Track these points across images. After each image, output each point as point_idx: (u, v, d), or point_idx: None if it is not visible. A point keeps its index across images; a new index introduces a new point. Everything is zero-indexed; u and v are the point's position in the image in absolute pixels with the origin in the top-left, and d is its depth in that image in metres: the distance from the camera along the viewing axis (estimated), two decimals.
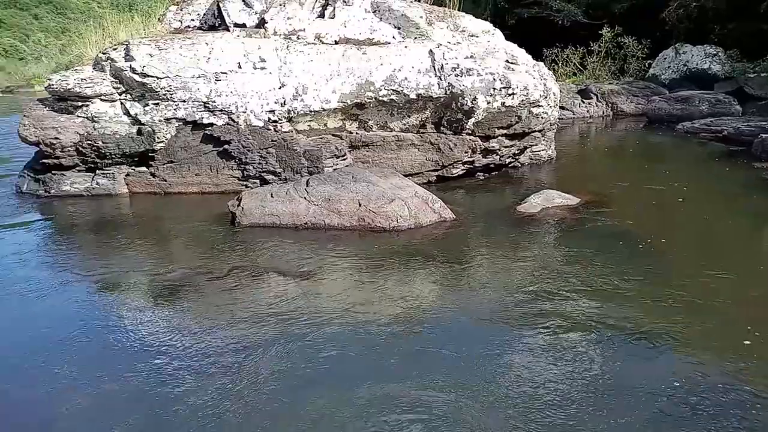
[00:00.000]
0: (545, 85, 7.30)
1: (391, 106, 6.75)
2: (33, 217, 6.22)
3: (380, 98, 6.68)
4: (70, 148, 6.58)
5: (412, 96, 6.67)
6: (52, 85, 6.68)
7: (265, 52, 6.71)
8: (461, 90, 6.64)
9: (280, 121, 6.67)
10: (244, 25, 7.21)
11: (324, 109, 6.69)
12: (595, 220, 5.40)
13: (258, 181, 6.65)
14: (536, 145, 7.62)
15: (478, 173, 7.29)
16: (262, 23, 7.14)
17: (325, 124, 6.84)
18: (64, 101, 6.68)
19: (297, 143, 6.63)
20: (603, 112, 14.17)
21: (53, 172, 6.81)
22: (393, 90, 6.65)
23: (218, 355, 3.20)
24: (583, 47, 16.45)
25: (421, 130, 6.91)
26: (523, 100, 6.88)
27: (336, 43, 7.05)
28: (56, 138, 6.56)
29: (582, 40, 16.45)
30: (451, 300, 3.93)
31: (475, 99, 6.64)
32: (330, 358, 3.15)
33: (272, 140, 6.61)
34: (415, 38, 7.11)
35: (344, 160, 6.77)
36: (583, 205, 5.84)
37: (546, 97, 7.25)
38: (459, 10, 8.59)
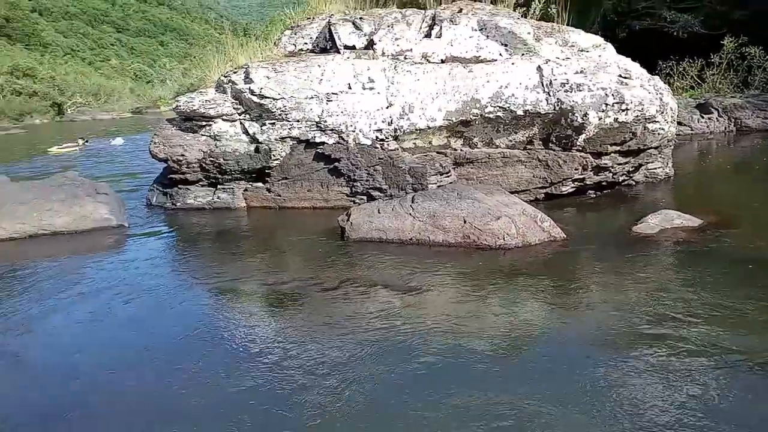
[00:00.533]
0: (661, 99, 6.95)
1: (497, 122, 6.71)
2: (161, 227, 6.80)
3: (486, 115, 6.67)
4: (194, 165, 7.12)
5: (519, 112, 6.60)
6: (180, 106, 7.28)
7: (373, 72, 6.92)
8: (571, 106, 6.48)
9: (386, 140, 6.83)
10: (353, 47, 7.48)
11: (429, 127, 6.77)
12: (720, 241, 5.04)
13: (365, 197, 6.84)
14: (652, 162, 7.25)
15: (589, 191, 7.04)
16: (370, 44, 7.37)
17: (430, 142, 6.92)
18: (190, 121, 7.24)
19: (402, 161, 6.75)
20: (725, 128, 13.19)
21: (179, 186, 7.39)
22: (499, 107, 6.62)
23: (327, 358, 3.36)
24: (702, 59, 15.45)
25: (529, 147, 6.80)
26: (638, 116, 6.59)
27: (442, 61, 7.13)
28: (182, 155, 7.12)
29: (700, 52, 15.46)
30: (558, 319, 3.83)
31: (585, 115, 6.46)
32: (431, 365, 3.22)
33: (379, 158, 6.77)
34: (523, 54, 7.04)
35: (448, 177, 6.80)
36: (705, 226, 5.46)
37: (662, 113, 6.90)
38: (567, 24, 8.41)
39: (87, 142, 17.72)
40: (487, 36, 7.21)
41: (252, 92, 6.90)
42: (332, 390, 3.00)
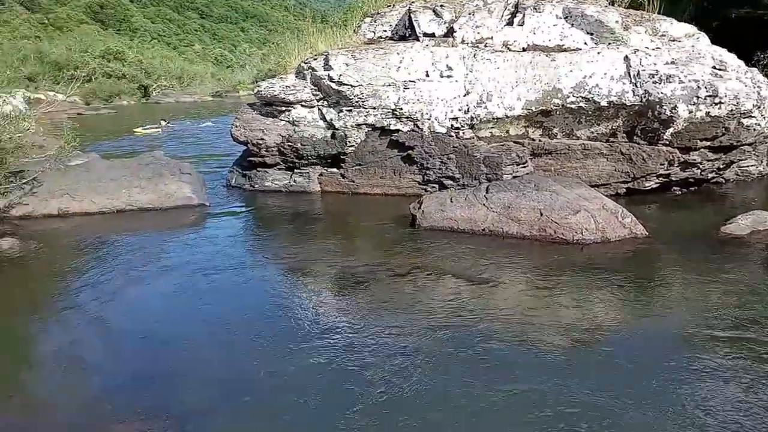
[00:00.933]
0: (759, 93, 6.50)
1: (578, 113, 6.50)
2: (240, 207, 7.06)
3: (567, 105, 6.47)
4: (273, 148, 7.31)
5: (603, 103, 6.36)
6: (261, 91, 7.48)
7: (452, 60, 6.85)
8: (659, 98, 6.17)
9: (462, 128, 6.76)
10: (433, 35, 7.43)
11: (507, 116, 6.64)
12: None
13: (437, 185, 6.81)
14: (745, 159, 6.81)
15: (674, 187, 6.71)
16: (450, 32, 7.30)
17: (507, 131, 6.79)
18: (270, 106, 7.43)
19: (477, 150, 6.66)
20: None
21: (258, 169, 7.62)
22: (582, 97, 6.40)
23: (394, 339, 3.43)
24: None
25: (611, 139, 6.54)
26: (732, 110, 6.20)
27: (524, 50, 6.96)
28: (262, 139, 7.33)
29: None
30: (633, 316, 3.71)
31: (674, 108, 6.14)
32: (496, 352, 3.24)
33: (453, 146, 6.72)
34: (609, 44, 6.76)
35: (525, 167, 6.66)
36: None
37: (760, 107, 6.45)
38: (658, 12, 7.99)
39: (168, 123, 18.59)
40: (572, 24, 6.97)
41: (331, 79, 6.99)
42: (399, 369, 3.06)
